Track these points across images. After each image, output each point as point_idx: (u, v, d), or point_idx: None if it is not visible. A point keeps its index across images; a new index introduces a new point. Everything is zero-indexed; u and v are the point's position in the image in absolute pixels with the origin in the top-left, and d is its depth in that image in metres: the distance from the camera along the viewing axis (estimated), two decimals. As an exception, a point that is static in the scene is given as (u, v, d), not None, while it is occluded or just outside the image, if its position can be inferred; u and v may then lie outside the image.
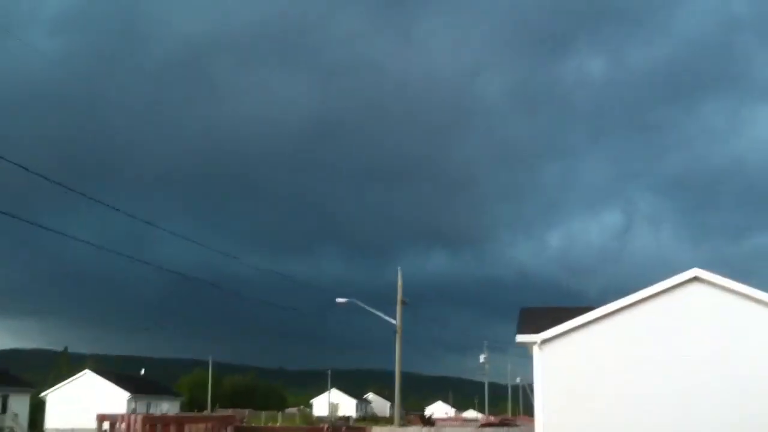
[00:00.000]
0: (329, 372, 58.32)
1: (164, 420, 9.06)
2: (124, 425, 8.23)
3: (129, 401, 34.44)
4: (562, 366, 10.70)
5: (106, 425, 8.41)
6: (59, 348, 65.03)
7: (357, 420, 50.99)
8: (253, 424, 19.77)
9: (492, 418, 37.79)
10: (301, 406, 59.59)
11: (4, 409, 29.27)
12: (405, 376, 16.10)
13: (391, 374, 16.03)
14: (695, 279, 10.36)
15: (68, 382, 36.22)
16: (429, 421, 29.69)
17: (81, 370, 37.41)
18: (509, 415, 49.28)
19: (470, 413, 71.32)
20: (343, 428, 18.44)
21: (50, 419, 34.61)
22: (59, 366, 49.18)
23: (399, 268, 14.52)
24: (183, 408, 40.61)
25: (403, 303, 14.58)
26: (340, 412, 57.34)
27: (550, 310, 12.07)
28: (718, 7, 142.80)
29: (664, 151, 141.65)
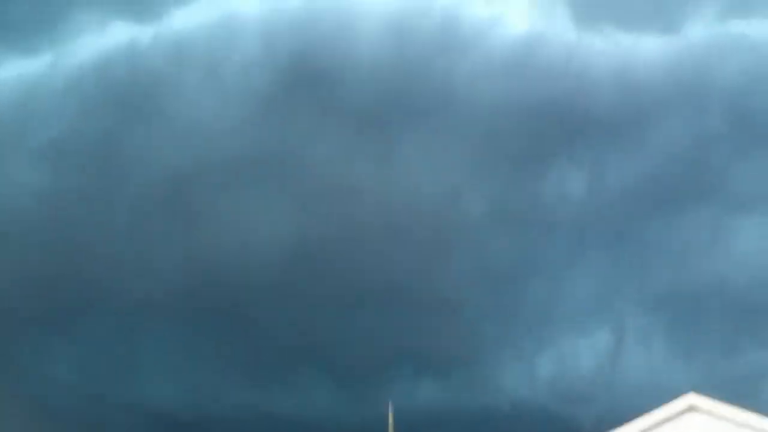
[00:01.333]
0: None
1: None
2: None
3: None
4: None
5: None
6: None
7: None
8: None
9: None
10: None
11: None
12: None
13: None
14: (691, 408, 10.07)
15: None
16: None
17: None
18: None
19: None
20: None
21: None
22: None
23: (390, 402, 14.05)
24: None
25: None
26: None
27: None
28: (694, 121, 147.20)
29: (648, 267, 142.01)
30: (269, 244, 35.27)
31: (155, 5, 32.32)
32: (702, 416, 10.04)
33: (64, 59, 31.36)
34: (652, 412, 10.20)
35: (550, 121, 41.08)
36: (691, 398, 10.09)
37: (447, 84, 35.85)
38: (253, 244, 35.10)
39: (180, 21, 32.83)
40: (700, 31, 34.74)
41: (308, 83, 35.05)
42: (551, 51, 34.59)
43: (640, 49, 35.37)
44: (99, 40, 31.91)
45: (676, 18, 36.84)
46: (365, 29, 35.27)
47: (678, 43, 35.26)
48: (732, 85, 33.24)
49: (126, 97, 32.73)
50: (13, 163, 31.30)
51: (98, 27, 32.35)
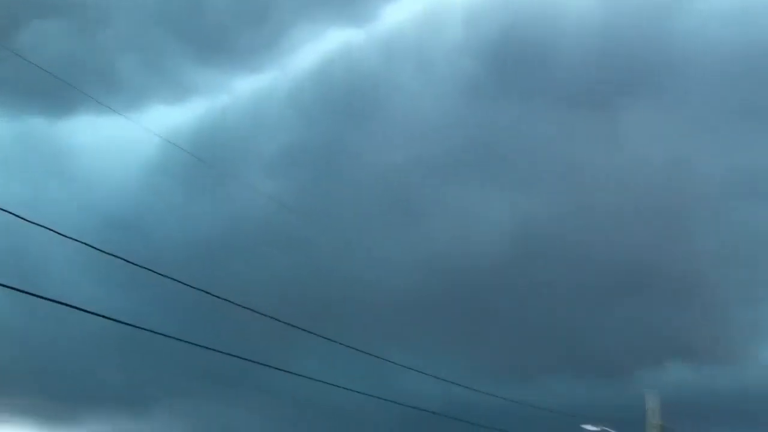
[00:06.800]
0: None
1: None
2: None
3: None
4: None
5: None
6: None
7: None
8: None
9: None
10: None
11: None
12: None
13: None
14: None
15: None
16: None
17: None
18: None
19: None
20: None
21: None
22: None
23: (646, 393, 13.16)
24: None
25: (660, 429, 13.03)
26: None
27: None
28: None
29: None
30: (494, 233, 34.75)
31: (366, 6, 32.78)
32: None
33: (286, 72, 32.77)
34: None
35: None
36: None
37: (665, 43, 33.16)
38: (479, 234, 34.75)
39: (389, 18, 33.01)
40: None
41: (516, 63, 34.10)
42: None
43: None
44: (316, 48, 32.91)
45: None
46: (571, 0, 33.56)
47: None
48: None
49: (344, 100, 33.58)
50: (248, 171, 33.16)
51: (314, 36, 33.29)
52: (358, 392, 11.17)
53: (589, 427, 12.71)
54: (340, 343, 9.80)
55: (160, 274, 7.63)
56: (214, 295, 8.33)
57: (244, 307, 8.75)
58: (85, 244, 6.62)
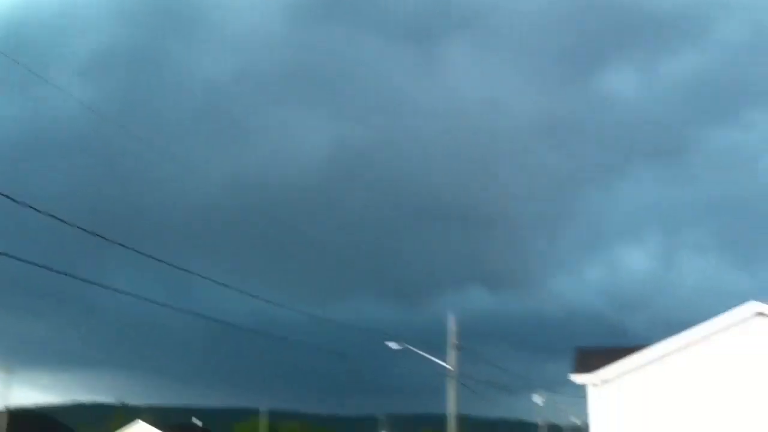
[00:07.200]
0: (382, 417, 57.49)
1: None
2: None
3: (182, 452, 34.17)
4: (620, 407, 10.20)
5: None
6: (116, 400, 65.11)
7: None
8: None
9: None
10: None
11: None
12: (460, 419, 15.61)
13: (445, 418, 15.70)
14: (759, 314, 9.77)
15: (122, 435, 36.18)
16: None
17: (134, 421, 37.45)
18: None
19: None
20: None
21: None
22: (116, 418, 49.29)
23: (449, 314, 14.29)
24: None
25: (457, 348, 14.23)
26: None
27: (606, 350, 11.63)
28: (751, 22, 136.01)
29: (702, 171, 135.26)
30: (308, 155, 35.32)
31: None
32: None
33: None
34: (716, 317, 9.95)
35: (600, 19, 38.92)
36: (756, 306, 9.80)
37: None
38: (293, 155, 35.16)
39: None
40: None
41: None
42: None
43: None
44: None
45: None
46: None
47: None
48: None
49: (168, 6, 32.31)
50: (59, 72, 31.26)
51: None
52: (166, 305, 11.32)
53: (391, 344, 13.66)
54: (147, 255, 9.90)
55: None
56: (13, 200, 8.18)
57: (48, 215, 8.65)
58: None
